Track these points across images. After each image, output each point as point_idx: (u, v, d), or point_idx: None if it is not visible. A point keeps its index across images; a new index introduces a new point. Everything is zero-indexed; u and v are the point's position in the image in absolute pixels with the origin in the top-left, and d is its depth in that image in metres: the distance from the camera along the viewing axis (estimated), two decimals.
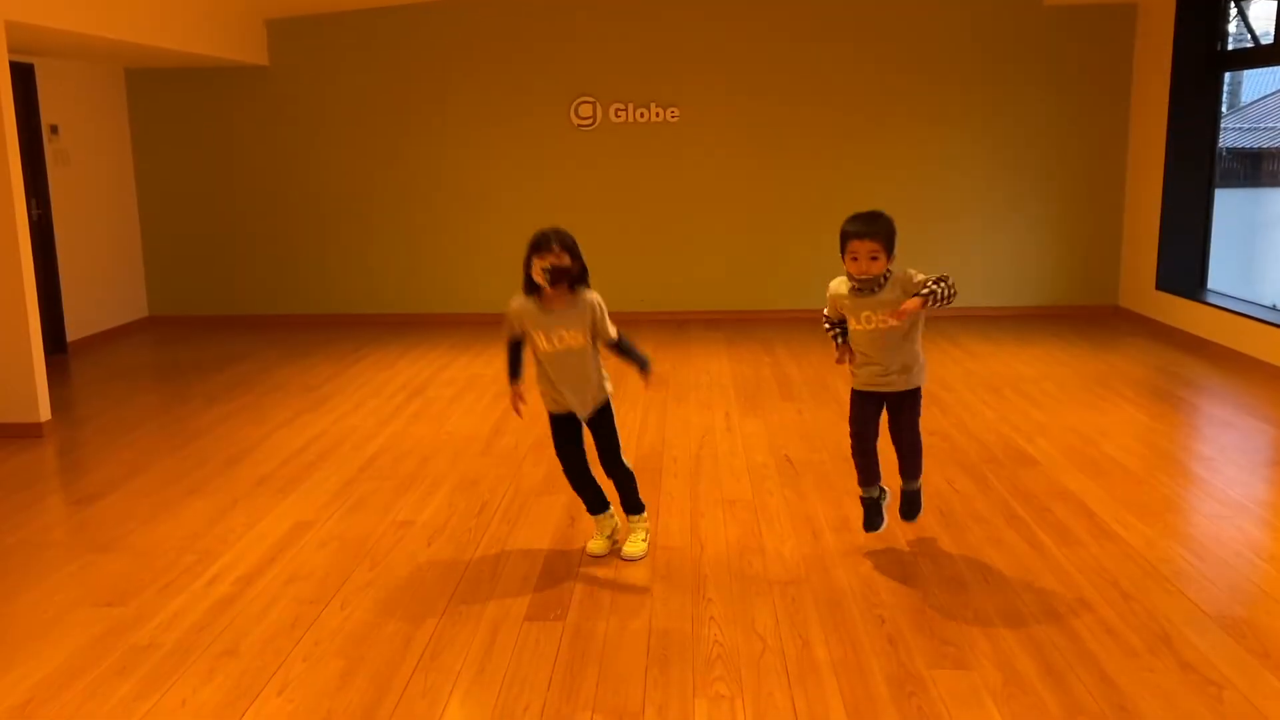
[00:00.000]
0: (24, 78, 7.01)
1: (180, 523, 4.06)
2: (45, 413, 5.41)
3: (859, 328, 3.47)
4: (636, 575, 3.50)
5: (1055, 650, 2.93)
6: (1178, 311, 7.41)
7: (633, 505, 3.72)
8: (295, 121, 8.35)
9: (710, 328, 8.07)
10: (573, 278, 3.45)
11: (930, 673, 2.82)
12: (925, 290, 3.27)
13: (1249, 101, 9.88)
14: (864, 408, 3.57)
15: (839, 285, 3.50)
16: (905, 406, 3.58)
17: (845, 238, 3.38)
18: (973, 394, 5.84)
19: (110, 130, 8.19)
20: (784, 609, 3.22)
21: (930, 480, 4.38)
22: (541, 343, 3.49)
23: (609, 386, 3.62)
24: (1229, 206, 7.93)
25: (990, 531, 3.83)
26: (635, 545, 3.68)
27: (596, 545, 3.70)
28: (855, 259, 3.35)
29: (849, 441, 3.63)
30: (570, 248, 3.43)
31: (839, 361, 3.65)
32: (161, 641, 3.08)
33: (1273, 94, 9.84)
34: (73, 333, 7.58)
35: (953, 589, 3.34)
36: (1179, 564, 3.51)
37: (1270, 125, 9.95)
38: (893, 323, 3.36)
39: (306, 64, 8.26)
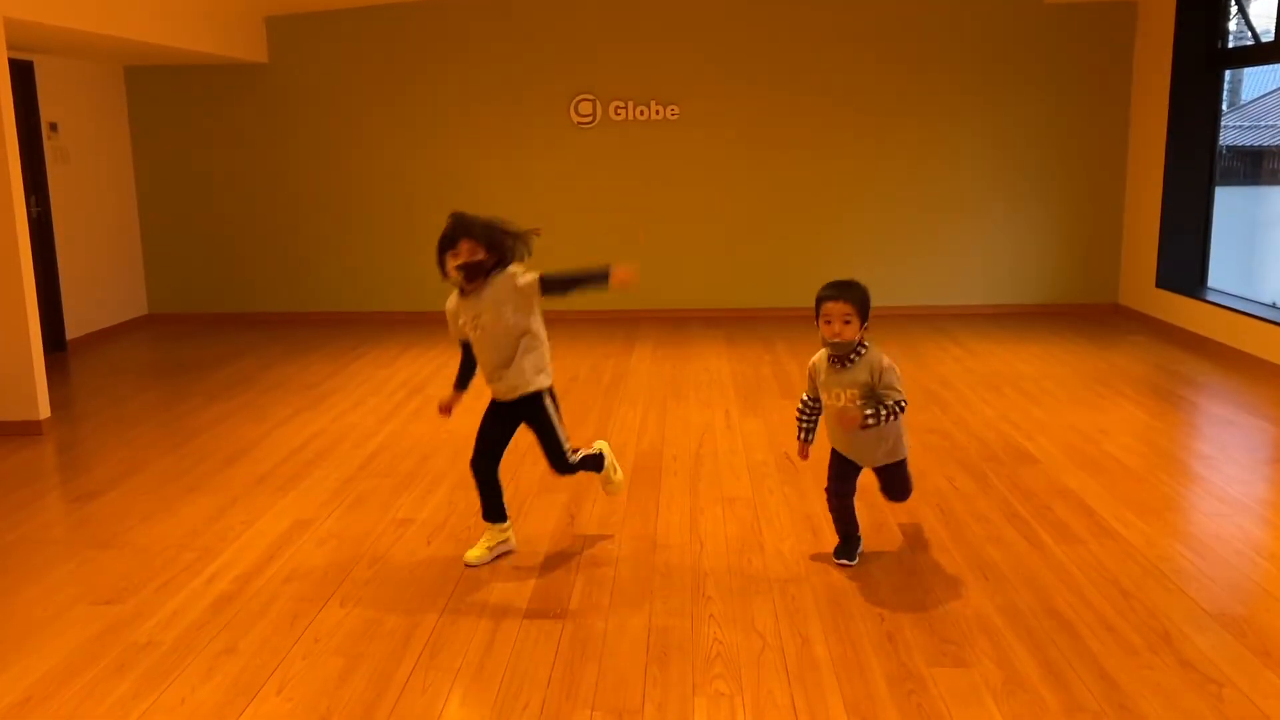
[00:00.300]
0: (23, 75, 7.00)
1: (179, 520, 4.06)
2: (45, 410, 5.41)
3: (831, 404, 3.41)
4: (636, 572, 3.49)
5: (1055, 648, 2.93)
6: (1178, 309, 7.40)
7: (595, 467, 3.79)
8: (295, 119, 8.34)
9: (710, 325, 8.07)
10: (489, 269, 3.38)
11: (930, 671, 2.82)
12: (869, 416, 3.27)
13: (1249, 99, 9.86)
14: (843, 465, 3.53)
15: (820, 359, 3.45)
16: (886, 477, 3.56)
17: (819, 302, 3.34)
18: (973, 392, 5.83)
19: (110, 128, 8.18)
20: (784, 607, 3.22)
21: (930, 478, 4.38)
22: (470, 331, 3.45)
23: (541, 379, 3.48)
24: (1229, 204, 7.92)
25: (990, 530, 3.82)
26: (614, 484, 3.91)
27: (474, 553, 3.57)
28: (828, 322, 3.30)
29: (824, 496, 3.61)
30: (485, 236, 3.34)
31: (801, 456, 3.64)
32: (160, 639, 3.08)
33: (1273, 92, 9.83)
34: (72, 330, 7.58)
35: (952, 587, 3.34)
36: (1179, 562, 3.50)
37: (1270, 123, 9.94)
38: (853, 410, 3.31)
39: (306, 61, 8.25)
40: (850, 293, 3.30)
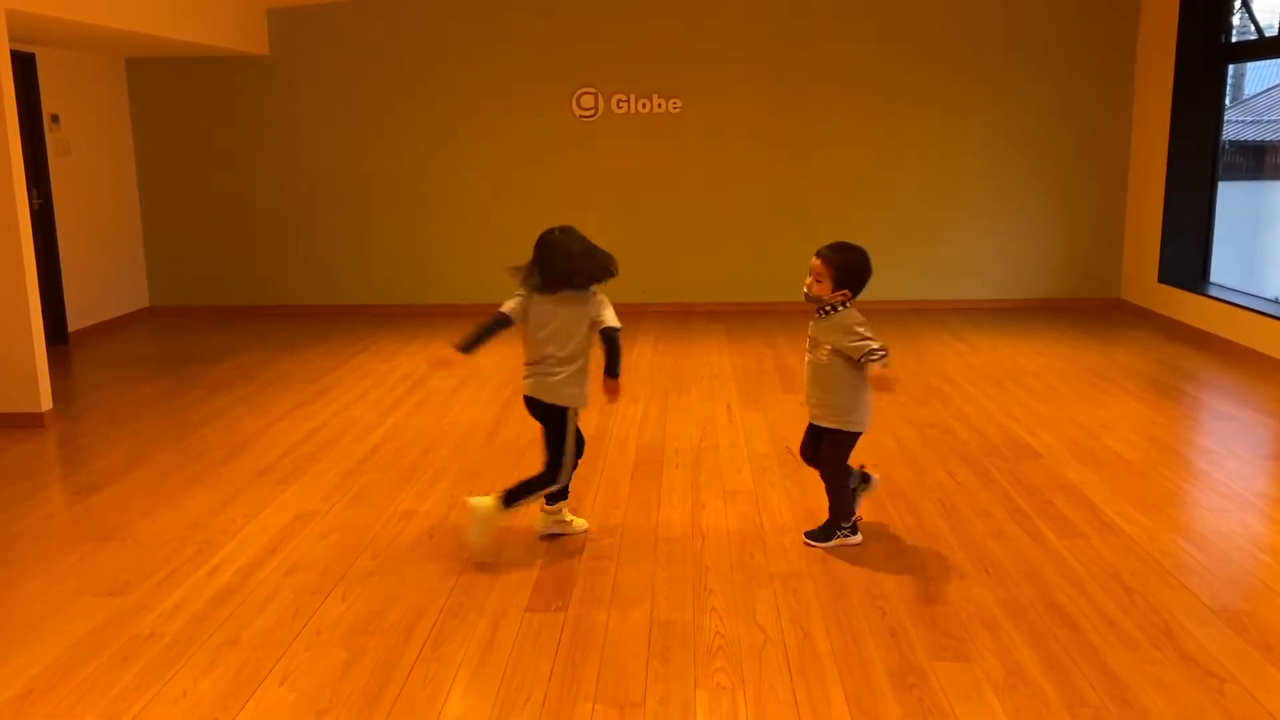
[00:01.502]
0: (25, 67, 6.99)
1: (181, 513, 4.06)
2: (46, 402, 5.41)
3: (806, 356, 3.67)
4: (638, 566, 3.49)
5: (1056, 643, 2.93)
6: (1180, 305, 7.40)
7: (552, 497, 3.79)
8: (296, 111, 8.33)
9: (712, 319, 8.06)
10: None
11: (931, 665, 2.82)
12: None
13: (1252, 94, 9.84)
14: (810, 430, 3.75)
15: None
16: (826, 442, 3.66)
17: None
18: (974, 386, 5.83)
19: (111, 120, 8.17)
20: (785, 600, 3.22)
21: (932, 473, 4.39)
22: (540, 325, 3.57)
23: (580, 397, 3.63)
24: (1232, 199, 7.91)
25: (992, 524, 3.82)
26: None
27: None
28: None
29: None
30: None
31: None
32: (163, 632, 3.08)
33: (1276, 86, 9.81)
34: (74, 322, 7.58)
35: (954, 581, 3.34)
36: (1181, 557, 3.51)
37: (1274, 118, 9.92)
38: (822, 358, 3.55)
39: (307, 54, 8.24)
40: (830, 256, 3.60)
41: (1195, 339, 7.01)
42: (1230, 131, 8.28)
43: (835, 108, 8.17)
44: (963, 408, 5.40)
